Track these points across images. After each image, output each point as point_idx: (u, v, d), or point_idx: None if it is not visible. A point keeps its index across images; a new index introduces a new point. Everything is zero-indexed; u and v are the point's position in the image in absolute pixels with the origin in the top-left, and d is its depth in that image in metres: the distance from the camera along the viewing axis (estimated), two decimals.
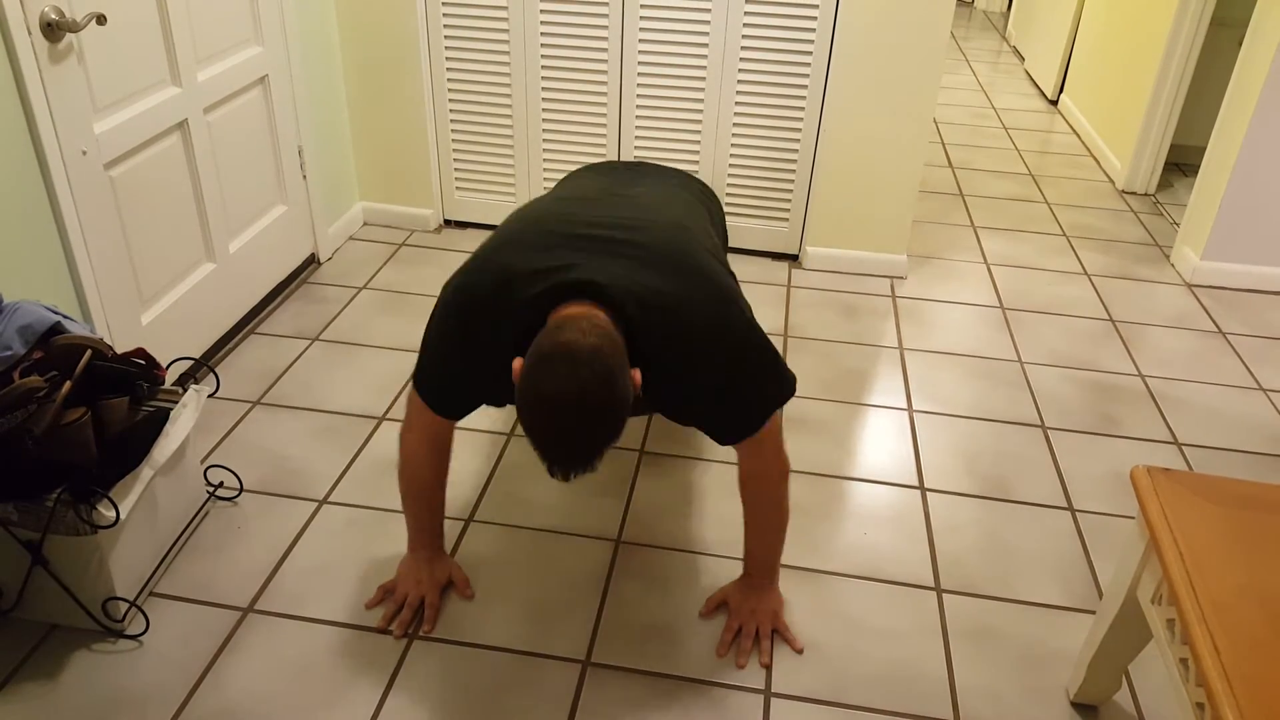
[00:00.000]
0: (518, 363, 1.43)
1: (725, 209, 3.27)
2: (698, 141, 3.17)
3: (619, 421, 1.38)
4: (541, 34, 3.07)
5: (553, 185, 3.31)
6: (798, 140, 3.13)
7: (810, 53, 2.98)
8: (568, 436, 1.36)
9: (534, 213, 1.67)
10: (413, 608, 1.85)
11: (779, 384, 1.64)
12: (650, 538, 2.09)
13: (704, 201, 2.03)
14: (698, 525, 2.13)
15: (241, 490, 2.17)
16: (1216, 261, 3.33)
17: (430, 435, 1.76)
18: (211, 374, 2.47)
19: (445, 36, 3.13)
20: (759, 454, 1.70)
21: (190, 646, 1.78)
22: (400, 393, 2.53)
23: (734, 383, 1.59)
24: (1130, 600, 1.57)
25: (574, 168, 3.26)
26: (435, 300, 1.63)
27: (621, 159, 3.24)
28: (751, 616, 1.86)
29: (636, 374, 1.44)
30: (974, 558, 2.09)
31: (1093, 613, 1.97)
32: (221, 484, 2.17)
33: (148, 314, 2.34)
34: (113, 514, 1.66)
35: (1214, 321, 3.11)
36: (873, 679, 1.79)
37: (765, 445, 1.69)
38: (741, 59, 3.02)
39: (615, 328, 1.45)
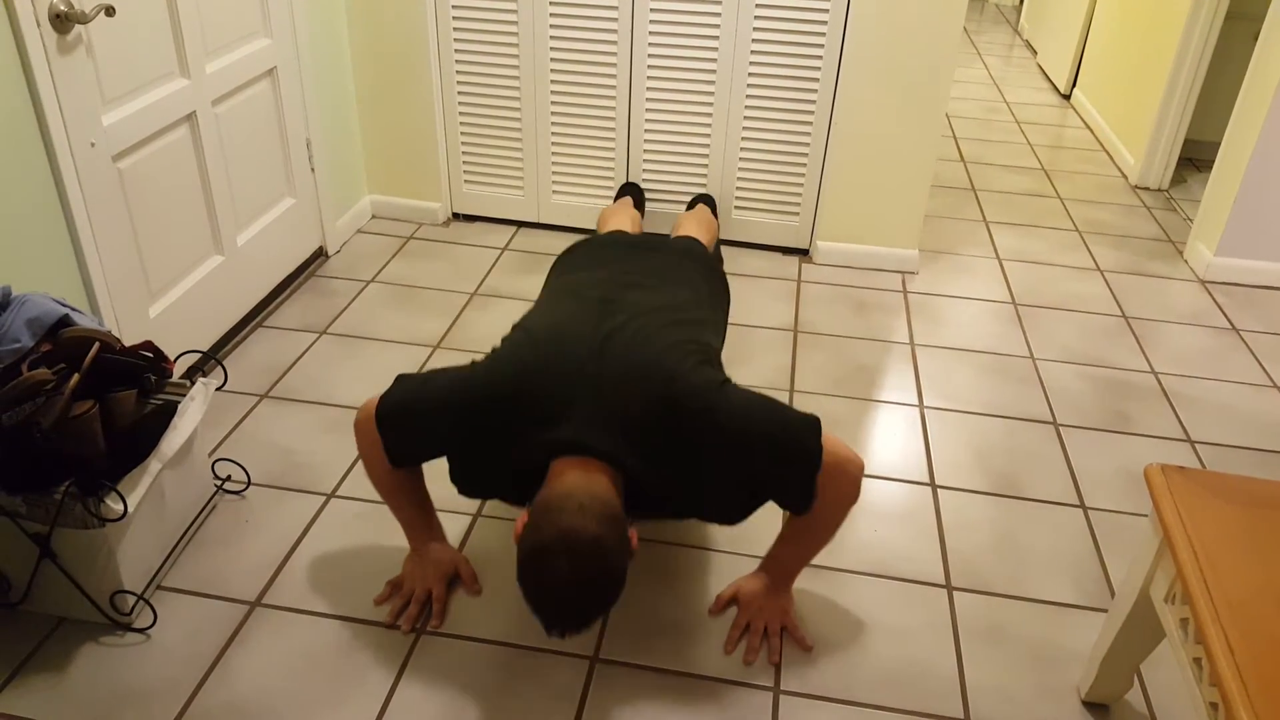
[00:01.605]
0: (520, 521, 1.51)
1: (736, 203, 3.26)
2: (708, 134, 3.15)
3: (616, 595, 1.48)
4: (551, 26, 3.06)
5: (561, 180, 3.31)
6: (809, 134, 3.11)
7: (822, 46, 2.96)
8: (566, 615, 1.46)
9: (537, 336, 1.68)
10: (420, 602, 1.85)
11: (805, 434, 1.61)
12: (659, 534, 2.09)
13: (707, 281, 2.03)
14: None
15: (249, 484, 2.16)
16: (1231, 258, 3.30)
17: (387, 469, 1.78)
18: (219, 367, 2.46)
19: (454, 29, 3.12)
20: (830, 485, 1.64)
21: (198, 640, 1.78)
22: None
23: (760, 470, 1.61)
24: (1143, 599, 1.56)
25: (583, 163, 3.25)
26: (466, 368, 1.67)
27: (630, 156, 3.22)
28: (761, 614, 1.85)
29: (634, 534, 1.52)
30: (985, 555, 2.07)
31: (1105, 611, 1.95)
32: (229, 477, 2.17)
33: (155, 307, 2.34)
34: (120, 507, 1.66)
35: (1228, 318, 3.08)
36: (883, 677, 1.78)
37: (831, 473, 1.63)
38: (753, 51, 3.00)
39: (614, 484, 1.54)
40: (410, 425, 1.68)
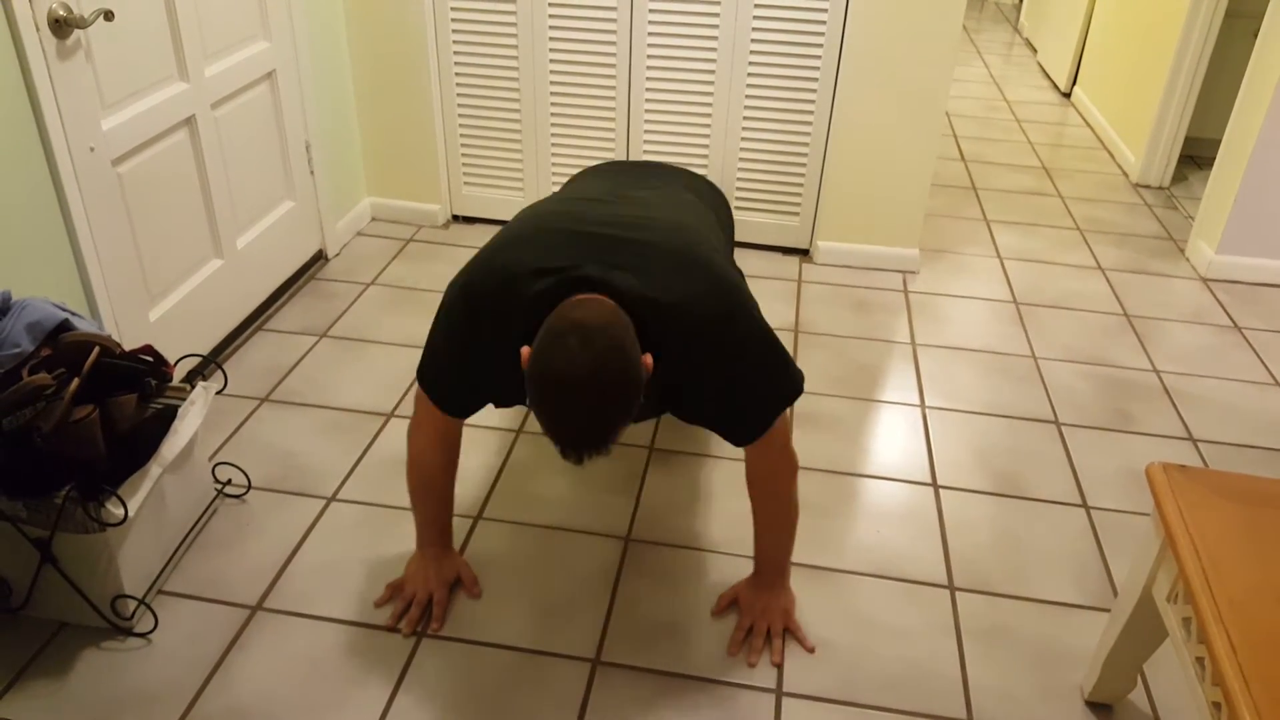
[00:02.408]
0: (526, 350, 1.42)
1: (736, 203, 3.26)
2: (707, 135, 3.15)
3: (633, 398, 1.37)
4: (550, 27, 3.06)
5: (561, 180, 3.30)
6: (808, 133, 3.11)
7: (821, 45, 2.96)
8: (580, 413, 1.34)
9: (539, 213, 1.66)
10: (421, 605, 1.85)
11: (787, 382, 1.63)
12: (660, 535, 2.08)
13: (711, 204, 2.01)
14: (707, 523, 2.12)
15: (250, 487, 2.16)
16: (1232, 255, 3.29)
17: (439, 433, 1.76)
18: (219, 371, 2.46)
19: (453, 31, 3.12)
20: (767, 453, 1.69)
21: (199, 644, 1.78)
22: (409, 389, 2.52)
23: (741, 381, 1.58)
24: (1145, 598, 1.55)
25: (583, 163, 3.25)
26: (441, 298, 1.62)
27: (630, 157, 3.22)
28: (763, 615, 1.84)
29: (648, 358, 1.43)
30: (987, 555, 2.07)
31: (1107, 611, 1.95)
32: (230, 481, 2.17)
33: (155, 311, 2.34)
34: (121, 511, 1.66)
35: (1229, 316, 3.08)
36: (885, 678, 1.78)
37: (773, 444, 1.68)
38: (752, 51, 3.00)
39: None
40: (443, 359, 1.64)
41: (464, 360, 1.63)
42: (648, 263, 1.50)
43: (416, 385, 1.72)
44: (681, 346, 1.51)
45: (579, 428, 1.35)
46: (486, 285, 1.55)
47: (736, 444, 1.67)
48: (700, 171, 3.21)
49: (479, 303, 1.56)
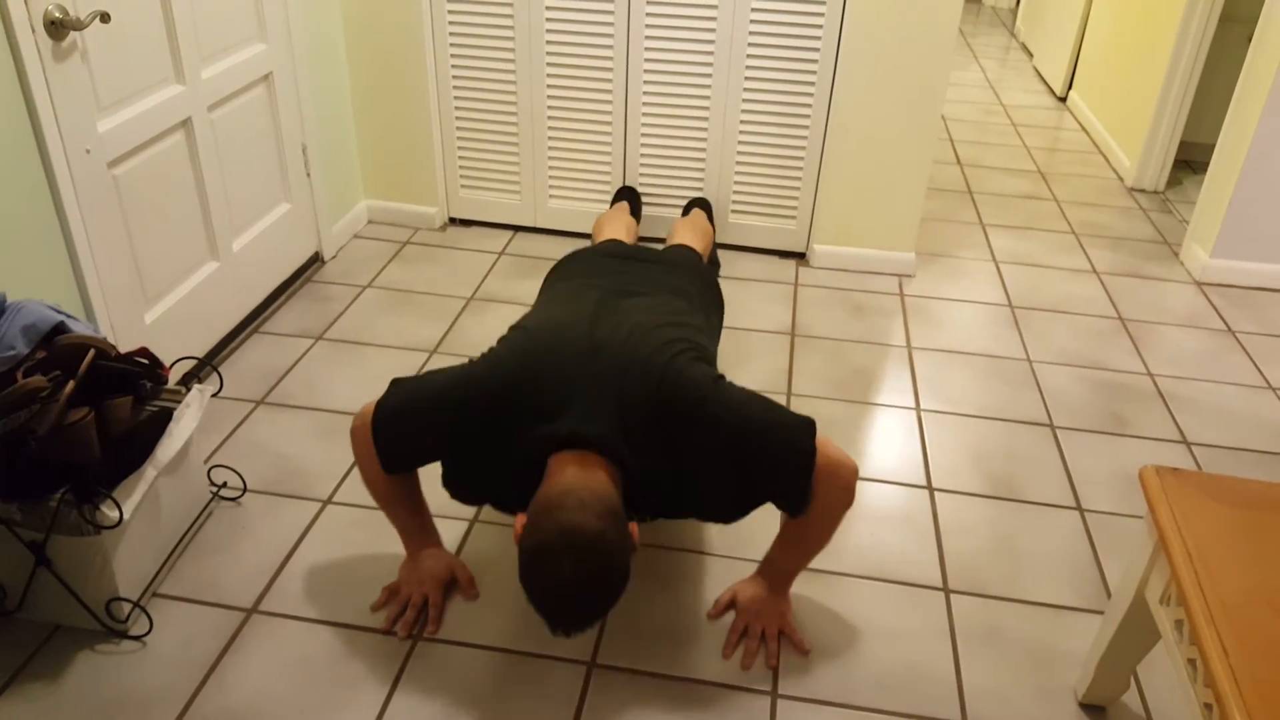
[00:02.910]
0: (520, 520, 1.51)
1: (732, 207, 3.26)
2: (704, 138, 3.16)
3: (620, 591, 1.47)
4: (546, 30, 3.06)
5: (558, 184, 3.31)
6: (805, 137, 3.11)
7: (818, 49, 2.97)
8: (571, 614, 1.45)
9: (534, 335, 1.68)
10: (416, 608, 1.85)
11: (799, 434, 1.61)
12: (656, 538, 2.08)
13: (701, 292, 2.04)
14: (705, 526, 2.12)
15: (245, 490, 2.16)
16: (1226, 259, 3.30)
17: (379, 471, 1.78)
18: (215, 373, 2.46)
19: (450, 33, 3.12)
20: (822, 489, 1.65)
21: (194, 647, 1.78)
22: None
23: (753, 466, 1.60)
24: (1139, 601, 1.56)
25: (579, 167, 3.25)
26: (462, 368, 1.67)
27: (626, 160, 3.22)
28: (759, 618, 1.85)
29: (634, 528, 1.52)
30: (982, 558, 2.07)
31: (1101, 613, 1.95)
32: (225, 484, 2.17)
33: (151, 313, 2.34)
34: (116, 514, 1.66)
35: (1224, 320, 3.09)
36: (880, 680, 1.78)
37: (823, 482, 1.63)
38: (748, 55, 3.01)
39: (612, 479, 1.54)
40: (407, 428, 1.67)
41: (439, 448, 1.68)
42: (625, 393, 1.57)
43: (370, 409, 1.69)
44: (684, 467, 1.59)
45: (568, 622, 1.46)
46: (487, 401, 1.61)
47: (794, 514, 1.67)
48: (697, 175, 3.22)
49: (479, 410, 1.61)
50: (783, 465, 1.61)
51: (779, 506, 1.68)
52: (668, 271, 2.05)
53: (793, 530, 1.76)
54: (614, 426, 1.56)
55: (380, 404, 1.68)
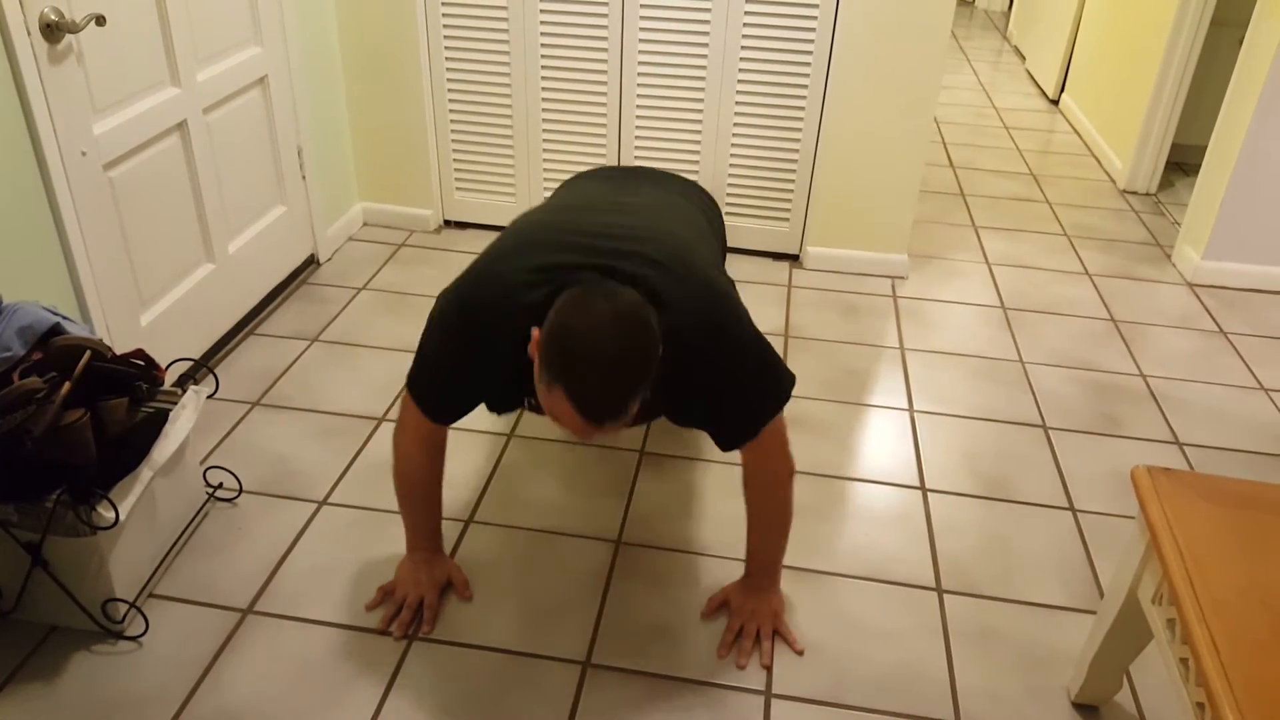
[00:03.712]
0: (536, 332, 1.43)
1: (726, 209, 3.27)
2: (698, 141, 3.17)
3: (653, 362, 1.39)
4: (541, 33, 3.07)
5: (553, 186, 3.31)
6: (798, 140, 3.12)
7: (811, 52, 2.98)
8: (606, 369, 1.33)
9: (531, 222, 1.67)
10: (412, 609, 1.85)
11: (778, 386, 1.64)
12: (650, 538, 2.09)
13: (703, 209, 2.03)
14: (698, 526, 2.13)
15: (241, 491, 2.16)
16: (1218, 261, 3.32)
17: (424, 439, 1.76)
18: (211, 375, 2.46)
19: (445, 36, 3.13)
20: (763, 456, 1.70)
21: (190, 648, 1.78)
22: (400, 394, 2.52)
23: (732, 385, 1.60)
24: (1131, 600, 1.57)
25: (575, 169, 3.26)
26: (433, 305, 1.63)
27: (621, 163, 3.23)
28: (752, 617, 1.85)
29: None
30: (975, 558, 2.08)
31: (1093, 613, 1.96)
32: (221, 485, 2.17)
33: (147, 315, 2.34)
34: (112, 515, 1.66)
35: (1215, 321, 3.10)
36: (873, 680, 1.79)
37: (769, 446, 1.69)
38: (742, 58, 3.02)
39: None
40: (434, 368, 1.64)
41: (456, 369, 1.63)
42: (640, 271, 1.51)
43: (405, 391, 1.72)
44: (673, 353, 1.52)
45: (603, 386, 1.34)
46: (481, 293, 1.56)
47: (725, 448, 1.69)
48: (691, 177, 3.23)
49: (474, 312, 1.57)
50: (754, 397, 1.62)
51: (716, 434, 1.66)
52: (674, 182, 2.07)
53: (754, 515, 1.79)
54: (626, 279, 1.50)
55: (410, 374, 1.70)
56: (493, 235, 3.40)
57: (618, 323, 1.36)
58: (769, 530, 1.81)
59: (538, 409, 1.72)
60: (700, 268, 1.59)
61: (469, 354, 1.59)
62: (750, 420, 1.64)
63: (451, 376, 1.65)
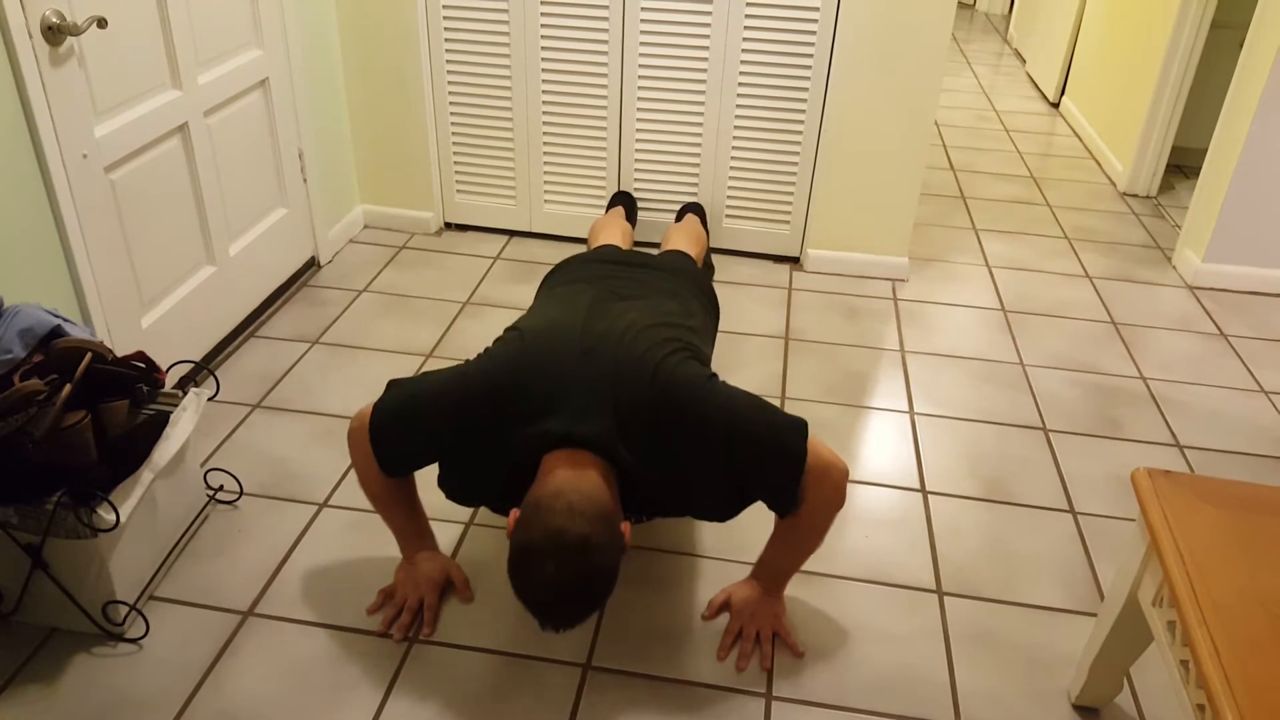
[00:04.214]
0: (513, 516, 1.52)
1: (726, 211, 3.27)
2: (699, 143, 3.17)
3: (606, 592, 1.49)
4: (542, 36, 3.07)
5: (554, 187, 3.32)
6: (799, 142, 3.13)
7: (811, 55, 2.98)
8: (556, 613, 1.48)
9: (529, 336, 1.69)
10: (412, 611, 1.85)
11: (790, 435, 1.62)
12: (651, 541, 2.09)
13: (695, 296, 2.05)
14: (699, 528, 2.13)
15: (241, 493, 2.17)
16: (1218, 264, 3.32)
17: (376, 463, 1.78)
18: (211, 377, 2.47)
19: (446, 39, 3.13)
20: (813, 490, 1.65)
21: (190, 650, 1.78)
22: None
23: (744, 466, 1.61)
24: (1131, 602, 1.57)
25: (575, 172, 3.26)
26: (446, 377, 1.68)
27: (621, 163, 3.23)
28: (753, 619, 1.85)
29: (626, 527, 1.54)
30: (975, 561, 2.08)
31: (1094, 615, 1.96)
32: (221, 487, 2.17)
33: (148, 317, 2.34)
34: (113, 517, 1.66)
35: (1216, 324, 3.10)
36: (874, 683, 1.79)
37: (813, 482, 1.64)
38: (742, 61, 3.02)
39: (605, 478, 1.55)
40: (404, 430, 1.68)
41: (435, 448, 1.69)
42: (599, 430, 1.57)
43: (367, 413, 1.70)
44: (675, 464, 1.60)
45: (555, 621, 1.49)
46: (484, 402, 1.62)
47: (784, 514, 1.69)
48: (692, 180, 3.23)
49: (475, 411, 1.62)
50: (773, 465, 1.62)
51: (769, 506, 1.68)
52: (661, 275, 2.06)
53: (785, 531, 1.77)
54: (608, 425, 1.57)
55: (377, 407, 1.69)
56: (493, 238, 3.40)
57: (564, 584, 1.44)
58: (798, 548, 1.79)
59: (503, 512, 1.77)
60: (671, 371, 1.62)
61: (457, 441, 1.66)
62: (786, 474, 1.62)
63: (425, 447, 1.70)
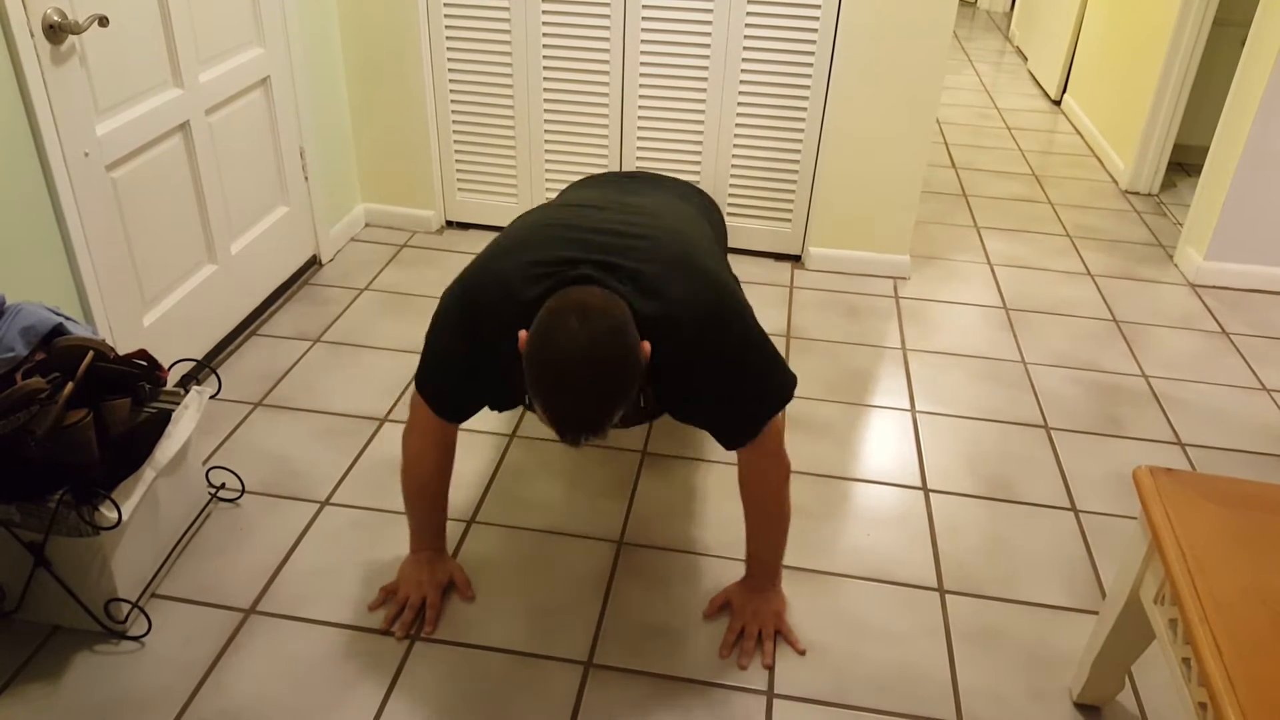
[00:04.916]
0: (524, 334, 1.44)
1: (727, 210, 3.27)
2: (700, 142, 3.17)
3: (631, 380, 1.39)
4: (543, 34, 3.07)
5: (555, 187, 3.32)
6: (800, 140, 3.12)
7: (813, 53, 2.98)
8: (579, 392, 1.36)
9: (534, 220, 1.67)
10: (414, 609, 1.85)
11: (780, 385, 1.65)
12: (652, 539, 2.09)
13: (705, 213, 2.03)
14: (700, 526, 2.13)
15: (243, 492, 2.17)
16: (1220, 262, 3.32)
17: (434, 437, 1.77)
18: (213, 375, 2.47)
19: (447, 37, 3.13)
20: (760, 456, 1.71)
21: (192, 648, 1.79)
22: (403, 394, 2.53)
23: (733, 384, 1.60)
24: (1133, 600, 1.57)
25: (577, 170, 3.27)
26: (437, 304, 1.63)
27: (623, 164, 3.24)
28: (754, 618, 1.85)
29: (646, 345, 1.45)
30: (977, 558, 2.08)
31: (1095, 613, 1.96)
32: (223, 485, 2.17)
33: (149, 315, 2.35)
34: (115, 515, 1.66)
35: (1217, 322, 3.10)
36: (875, 680, 1.79)
37: (766, 447, 1.69)
38: (744, 59, 3.02)
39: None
40: (440, 364, 1.65)
41: (462, 365, 1.64)
42: (643, 267, 1.52)
43: (413, 390, 1.73)
44: (675, 349, 1.52)
45: (576, 407, 1.37)
46: (484, 290, 1.57)
47: (729, 447, 1.69)
48: (693, 178, 3.23)
49: (476, 308, 1.57)
50: (757, 395, 1.62)
51: (719, 431, 1.67)
52: (673, 185, 2.08)
53: (752, 519, 1.80)
54: (628, 286, 1.50)
55: (417, 376, 1.70)
56: (495, 236, 3.40)
57: (590, 344, 1.35)
58: (767, 531, 1.82)
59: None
60: (703, 262, 1.59)
61: (471, 350, 1.60)
62: (753, 418, 1.65)
63: (457, 373, 1.65)
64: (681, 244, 1.60)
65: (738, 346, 1.58)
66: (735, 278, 1.74)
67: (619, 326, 1.39)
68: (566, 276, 1.48)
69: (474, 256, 1.67)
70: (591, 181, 2.08)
